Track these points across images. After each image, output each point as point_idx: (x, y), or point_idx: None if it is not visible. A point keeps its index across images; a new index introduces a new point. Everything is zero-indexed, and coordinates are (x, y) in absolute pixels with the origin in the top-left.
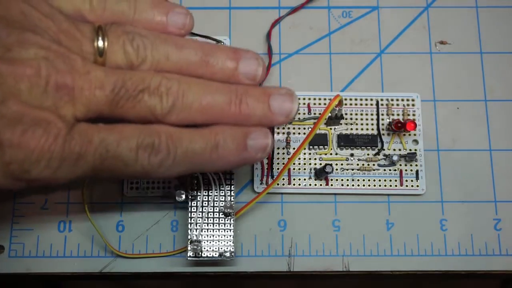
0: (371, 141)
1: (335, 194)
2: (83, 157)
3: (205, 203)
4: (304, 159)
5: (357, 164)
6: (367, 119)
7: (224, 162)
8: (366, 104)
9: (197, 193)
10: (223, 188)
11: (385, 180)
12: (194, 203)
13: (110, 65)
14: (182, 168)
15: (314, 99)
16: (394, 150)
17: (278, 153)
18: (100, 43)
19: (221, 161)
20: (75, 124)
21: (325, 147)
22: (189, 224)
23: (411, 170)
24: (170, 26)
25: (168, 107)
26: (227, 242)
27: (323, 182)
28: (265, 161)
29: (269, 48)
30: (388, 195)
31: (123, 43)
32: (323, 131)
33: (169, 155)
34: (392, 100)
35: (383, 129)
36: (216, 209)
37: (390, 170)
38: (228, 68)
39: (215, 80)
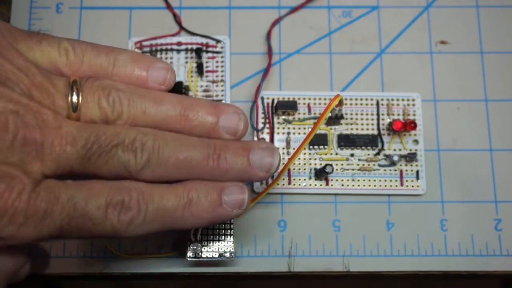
0: (371, 141)
1: (335, 194)
2: (50, 215)
3: None
4: (304, 159)
5: (357, 164)
6: (367, 119)
7: (198, 220)
8: (367, 104)
9: None
10: None
11: (385, 180)
12: None
13: (84, 120)
14: (153, 226)
15: (314, 99)
16: (395, 150)
17: None
18: (74, 98)
19: (195, 218)
20: (42, 180)
21: (325, 147)
22: None
23: (412, 170)
24: (150, 82)
25: (143, 162)
26: (227, 243)
27: (323, 182)
28: None
29: (269, 48)
30: (389, 195)
31: (98, 98)
32: (323, 131)
33: (139, 213)
34: (392, 100)
35: (383, 129)
36: None
37: (390, 170)
38: (208, 122)
39: (194, 135)
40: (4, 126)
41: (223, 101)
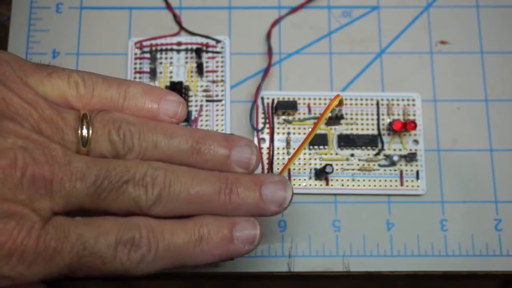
0: (371, 141)
1: (335, 194)
2: (59, 254)
3: None
4: (304, 159)
5: (358, 164)
6: (367, 119)
7: (209, 256)
8: (367, 104)
9: None
10: None
11: (385, 180)
12: None
13: (94, 155)
14: (164, 264)
15: (314, 99)
16: (395, 150)
17: (278, 153)
18: (84, 132)
19: (206, 255)
20: (51, 217)
21: (325, 147)
22: None
23: (412, 170)
24: (161, 115)
25: (154, 198)
26: None
27: (323, 182)
28: (265, 161)
29: (269, 48)
30: (389, 195)
31: (108, 132)
32: (323, 131)
33: (150, 251)
34: (392, 100)
35: (383, 129)
36: None
37: (390, 170)
38: (220, 156)
39: (206, 168)
40: (13, 163)
41: (223, 102)
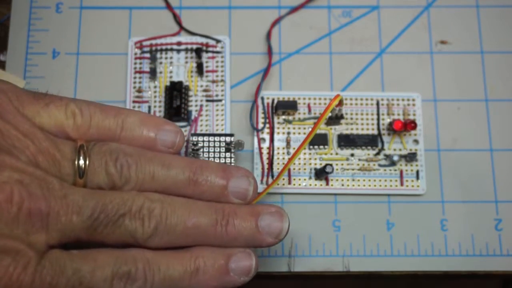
0: (371, 141)
1: (335, 194)
2: None
3: None
4: (304, 159)
5: (358, 164)
6: (367, 119)
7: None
8: (367, 104)
9: None
10: None
11: (385, 180)
12: None
13: (91, 186)
14: None
15: (314, 99)
16: (395, 150)
17: (278, 153)
18: (81, 163)
19: (201, 286)
20: (47, 251)
21: (325, 147)
22: None
23: (412, 170)
24: (159, 145)
25: (150, 231)
26: None
27: (323, 182)
28: (265, 161)
29: (269, 48)
30: (389, 195)
31: (105, 164)
32: (323, 131)
33: (145, 284)
34: (392, 100)
35: (383, 129)
36: None
37: (390, 170)
38: (217, 187)
39: (203, 199)
40: (9, 197)
41: (223, 102)
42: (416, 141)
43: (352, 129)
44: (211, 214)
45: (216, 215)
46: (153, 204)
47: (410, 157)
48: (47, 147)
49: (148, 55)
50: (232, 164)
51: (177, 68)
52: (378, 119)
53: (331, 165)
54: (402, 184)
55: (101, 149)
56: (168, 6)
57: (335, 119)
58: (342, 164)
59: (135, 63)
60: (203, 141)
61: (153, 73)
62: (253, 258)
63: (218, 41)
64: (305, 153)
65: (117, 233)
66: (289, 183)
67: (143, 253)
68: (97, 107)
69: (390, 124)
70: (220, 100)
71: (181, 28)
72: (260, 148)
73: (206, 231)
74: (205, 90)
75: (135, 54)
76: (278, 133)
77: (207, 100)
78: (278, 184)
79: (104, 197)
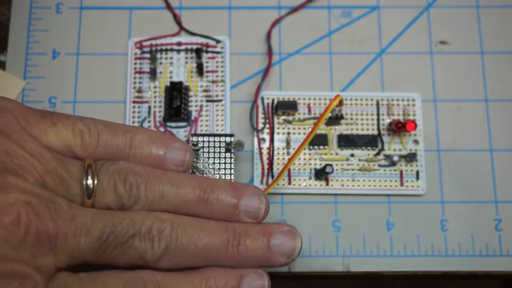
0: (371, 141)
1: (335, 194)
2: None
3: None
4: (304, 159)
5: (358, 165)
6: (367, 119)
7: None
8: (367, 104)
9: None
10: None
11: (385, 181)
12: None
13: (99, 206)
14: None
15: (314, 99)
16: (395, 150)
17: (278, 153)
18: (89, 182)
19: None
20: (54, 273)
21: (325, 147)
22: None
23: (412, 170)
24: (168, 163)
25: (160, 252)
26: None
27: (323, 183)
28: (265, 161)
29: (269, 48)
30: (389, 195)
31: (114, 184)
32: (323, 131)
33: None
34: (392, 100)
35: (383, 129)
36: None
37: (390, 170)
38: (228, 206)
39: (214, 218)
40: (16, 220)
41: (223, 102)
42: (416, 141)
43: (352, 129)
44: (222, 234)
45: (227, 235)
46: (163, 224)
47: (410, 157)
48: (55, 167)
49: (148, 55)
50: (232, 164)
51: (177, 68)
52: (378, 119)
53: (331, 165)
54: (402, 184)
55: (109, 168)
56: (168, 6)
57: (335, 119)
58: (342, 164)
59: (135, 63)
60: (203, 141)
61: (153, 73)
62: (265, 278)
63: (218, 41)
64: (305, 153)
65: (126, 255)
66: (289, 183)
67: (153, 275)
68: (105, 125)
69: (390, 124)
70: (220, 100)
71: (181, 28)
72: (260, 148)
73: (217, 252)
74: (205, 90)
75: (135, 54)
76: (278, 133)
77: (207, 100)
78: (278, 184)
79: (113, 218)
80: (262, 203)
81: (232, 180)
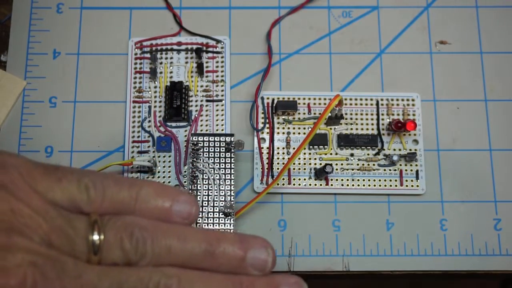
0: (371, 141)
1: (335, 194)
2: None
3: (205, 203)
4: (304, 159)
5: (357, 164)
6: (367, 119)
7: None
8: (366, 104)
9: (197, 193)
10: (223, 188)
11: (385, 180)
12: None
13: (105, 263)
14: None
15: (314, 99)
16: (394, 150)
17: (278, 153)
18: (96, 238)
19: None
20: None
21: (325, 147)
22: None
23: (411, 170)
24: (174, 216)
25: None
26: None
27: (323, 182)
28: (265, 161)
29: (269, 48)
30: (388, 195)
31: (120, 240)
32: (323, 131)
33: None
34: (392, 100)
35: (383, 129)
36: (216, 209)
37: (390, 170)
38: (235, 259)
39: (221, 271)
40: (22, 282)
41: (223, 102)
42: (415, 141)
43: (351, 129)
44: (229, 287)
45: None
46: (170, 280)
47: (410, 157)
48: (60, 225)
49: (148, 55)
50: (232, 164)
51: (177, 68)
52: (377, 119)
53: (331, 165)
54: (401, 184)
55: (115, 224)
56: (168, 6)
57: (335, 119)
58: (342, 164)
59: (135, 63)
60: (203, 141)
61: (153, 73)
62: None
63: (218, 41)
64: (305, 153)
65: None
66: (289, 183)
67: None
68: (111, 179)
69: (390, 124)
70: (220, 100)
71: (181, 28)
72: (260, 148)
73: None
74: (205, 90)
75: (135, 54)
76: (278, 133)
77: (207, 100)
78: (278, 184)
79: (119, 275)
80: (269, 256)
81: (233, 175)
